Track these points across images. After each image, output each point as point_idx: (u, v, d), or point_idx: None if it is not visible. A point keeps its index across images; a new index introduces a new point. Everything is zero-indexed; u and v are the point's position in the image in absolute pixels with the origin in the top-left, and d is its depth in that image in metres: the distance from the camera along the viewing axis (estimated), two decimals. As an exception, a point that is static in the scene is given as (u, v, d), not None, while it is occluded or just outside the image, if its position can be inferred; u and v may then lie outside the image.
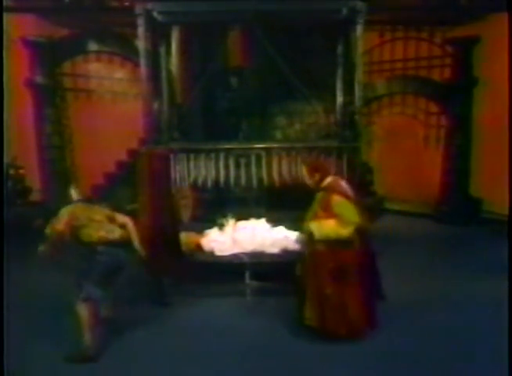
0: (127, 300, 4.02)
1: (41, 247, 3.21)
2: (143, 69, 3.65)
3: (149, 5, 3.57)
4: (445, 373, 2.98)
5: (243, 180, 3.74)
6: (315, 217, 3.27)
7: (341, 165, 3.72)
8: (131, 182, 5.31)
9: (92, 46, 6.65)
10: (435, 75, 6.79)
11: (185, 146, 3.88)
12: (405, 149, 7.11)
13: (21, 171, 6.32)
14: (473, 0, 5.82)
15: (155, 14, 3.64)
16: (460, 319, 3.61)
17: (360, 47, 3.65)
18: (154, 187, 3.62)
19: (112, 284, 3.30)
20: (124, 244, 3.25)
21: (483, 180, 6.44)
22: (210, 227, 4.30)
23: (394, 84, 7.02)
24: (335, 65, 4.41)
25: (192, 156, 3.70)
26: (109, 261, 3.18)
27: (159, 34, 4.15)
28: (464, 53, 6.44)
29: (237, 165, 3.73)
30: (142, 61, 3.64)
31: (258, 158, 3.72)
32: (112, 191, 6.84)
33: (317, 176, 3.34)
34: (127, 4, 5.61)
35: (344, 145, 3.84)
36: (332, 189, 3.27)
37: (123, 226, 3.29)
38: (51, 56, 6.42)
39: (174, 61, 4.75)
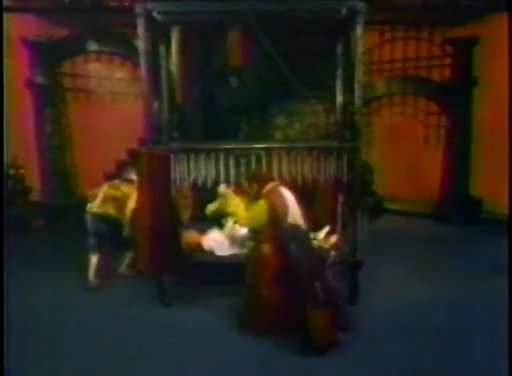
0: (127, 300, 4.03)
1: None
2: (143, 69, 3.64)
3: (149, 5, 3.56)
4: (444, 373, 2.98)
5: (243, 180, 3.73)
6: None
7: (341, 165, 3.71)
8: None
9: (92, 46, 6.64)
10: (435, 75, 6.79)
11: (185, 146, 3.88)
12: (405, 149, 7.12)
13: (21, 171, 6.32)
14: (473, 0, 5.82)
15: (155, 14, 3.63)
16: (460, 320, 3.61)
17: (360, 47, 3.64)
18: (154, 187, 3.61)
19: (105, 246, 4.35)
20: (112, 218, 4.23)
21: (483, 180, 6.44)
22: (210, 227, 4.30)
23: (394, 84, 7.02)
24: (335, 65, 4.40)
25: (192, 156, 3.70)
26: (93, 229, 4.31)
27: (159, 34, 4.14)
28: (464, 53, 6.44)
29: (237, 165, 3.72)
30: (142, 61, 3.63)
31: (258, 158, 3.71)
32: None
33: (255, 187, 3.44)
34: (127, 4, 5.62)
35: (344, 145, 3.83)
36: (266, 196, 3.36)
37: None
38: (51, 56, 6.42)
39: (174, 61, 4.74)
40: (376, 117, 7.23)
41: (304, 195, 4.41)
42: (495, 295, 3.81)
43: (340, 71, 4.39)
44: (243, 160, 3.71)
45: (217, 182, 3.78)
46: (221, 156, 3.70)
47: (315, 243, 4.13)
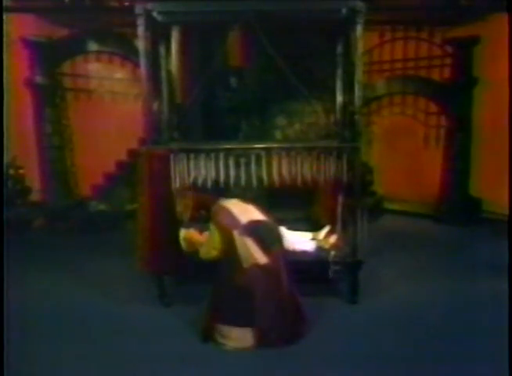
0: (127, 300, 4.04)
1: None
2: (143, 69, 3.64)
3: (149, 5, 3.56)
4: (445, 374, 2.98)
5: (243, 180, 3.74)
6: None
7: (341, 165, 3.71)
8: (131, 182, 5.33)
9: (92, 46, 6.63)
10: (435, 75, 6.78)
11: (185, 146, 3.87)
12: (405, 149, 7.11)
13: (21, 171, 6.31)
14: (473, 0, 5.82)
15: (155, 14, 3.63)
16: (460, 320, 3.61)
17: (360, 47, 3.64)
18: (154, 187, 3.62)
19: None
20: None
21: (483, 180, 6.44)
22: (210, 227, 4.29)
23: (394, 84, 7.01)
24: (335, 65, 4.40)
25: (192, 156, 3.69)
26: None
27: (159, 34, 4.14)
28: (464, 53, 6.43)
29: (237, 165, 3.72)
30: (142, 61, 3.63)
31: (258, 158, 3.71)
32: (112, 191, 6.85)
33: (204, 212, 3.55)
34: (127, 4, 5.61)
35: (344, 145, 3.83)
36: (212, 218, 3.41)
37: None
38: (51, 56, 6.40)
39: (174, 61, 4.74)
40: (376, 117, 7.22)
41: (304, 195, 4.43)
42: (495, 295, 3.81)
43: (340, 71, 4.38)
44: (243, 161, 3.71)
45: (216, 182, 3.77)
46: (221, 156, 3.69)
47: (315, 243, 4.14)
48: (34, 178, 6.56)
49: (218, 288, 3.38)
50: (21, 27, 6.09)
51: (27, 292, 4.19)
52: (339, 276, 3.96)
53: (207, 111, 5.12)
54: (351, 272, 3.89)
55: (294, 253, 3.94)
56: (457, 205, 6.64)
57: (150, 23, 3.62)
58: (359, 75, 3.65)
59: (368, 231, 3.83)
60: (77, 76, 6.80)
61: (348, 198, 3.96)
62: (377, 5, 5.09)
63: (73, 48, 6.65)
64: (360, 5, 3.53)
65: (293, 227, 4.31)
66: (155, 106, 3.85)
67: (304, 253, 3.99)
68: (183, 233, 3.99)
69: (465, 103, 6.53)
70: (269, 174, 3.72)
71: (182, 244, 3.82)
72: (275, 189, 3.85)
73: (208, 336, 3.32)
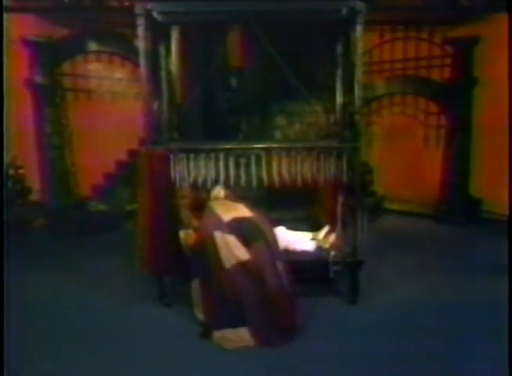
0: (127, 300, 4.03)
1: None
2: (143, 69, 3.64)
3: (149, 5, 3.55)
4: (445, 373, 2.98)
5: (242, 180, 3.74)
6: None
7: (341, 165, 3.71)
8: (131, 182, 5.33)
9: (92, 46, 6.63)
10: (435, 75, 6.78)
11: (185, 146, 3.87)
12: (405, 149, 7.11)
13: (21, 171, 6.31)
14: (473, 0, 5.82)
15: (155, 14, 3.63)
16: (460, 320, 3.61)
17: (360, 47, 3.64)
18: (154, 187, 3.62)
19: None
20: None
21: (483, 180, 6.44)
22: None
23: (394, 84, 7.01)
24: (335, 65, 4.40)
25: (192, 156, 3.69)
26: None
27: (159, 34, 4.14)
28: (464, 53, 6.43)
29: (237, 165, 3.72)
30: (142, 61, 3.63)
31: (258, 158, 3.71)
32: (112, 191, 6.85)
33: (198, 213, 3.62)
34: (127, 4, 5.61)
35: (344, 145, 3.83)
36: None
37: None
38: (51, 56, 6.40)
39: (174, 61, 4.74)
40: (376, 117, 7.23)
41: (304, 195, 4.43)
42: (495, 295, 3.81)
43: (340, 71, 4.38)
44: (243, 160, 3.71)
45: (216, 182, 3.78)
46: (221, 156, 3.69)
47: (314, 243, 4.15)
48: (34, 179, 6.56)
49: (205, 296, 3.42)
50: (21, 27, 6.08)
51: (26, 292, 4.19)
52: (339, 276, 3.96)
53: (207, 111, 5.12)
54: (351, 272, 3.89)
55: (294, 253, 3.95)
56: (457, 205, 6.63)
57: (150, 23, 3.62)
58: (359, 75, 3.65)
59: (368, 231, 3.83)
60: (77, 76, 6.79)
61: (348, 198, 3.96)
62: (377, 5, 5.07)
63: (73, 48, 6.65)
64: (360, 5, 3.53)
65: (293, 227, 4.32)
66: (155, 106, 3.85)
67: (304, 253, 4.00)
68: (183, 234, 4.00)
69: (465, 103, 6.53)
70: (269, 174, 3.71)
71: (183, 244, 3.82)
72: (275, 189, 3.85)
73: (207, 338, 3.34)
